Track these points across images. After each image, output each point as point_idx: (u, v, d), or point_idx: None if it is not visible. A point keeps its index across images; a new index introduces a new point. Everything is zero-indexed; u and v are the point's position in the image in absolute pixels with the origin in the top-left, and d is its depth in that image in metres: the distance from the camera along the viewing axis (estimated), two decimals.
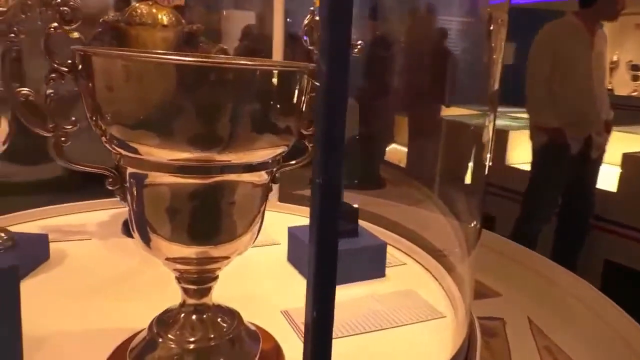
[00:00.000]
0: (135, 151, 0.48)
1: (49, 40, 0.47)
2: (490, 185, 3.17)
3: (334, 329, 0.74)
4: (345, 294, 0.86)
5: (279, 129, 0.52)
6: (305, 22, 0.57)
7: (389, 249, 1.07)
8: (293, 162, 0.62)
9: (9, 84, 0.47)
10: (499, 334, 1.00)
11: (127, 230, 1.09)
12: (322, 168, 0.40)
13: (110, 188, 0.52)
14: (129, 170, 0.51)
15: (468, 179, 0.97)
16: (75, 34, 0.85)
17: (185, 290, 0.58)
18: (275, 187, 1.31)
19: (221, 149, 0.49)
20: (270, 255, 1.00)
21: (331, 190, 0.40)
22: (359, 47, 0.59)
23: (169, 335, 0.57)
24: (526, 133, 2.67)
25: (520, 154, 3.16)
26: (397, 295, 0.86)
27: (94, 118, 0.48)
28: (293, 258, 0.97)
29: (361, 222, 1.13)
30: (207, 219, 0.53)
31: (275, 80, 0.51)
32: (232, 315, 0.62)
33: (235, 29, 2.73)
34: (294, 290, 0.88)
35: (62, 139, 0.49)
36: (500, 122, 3.56)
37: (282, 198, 1.32)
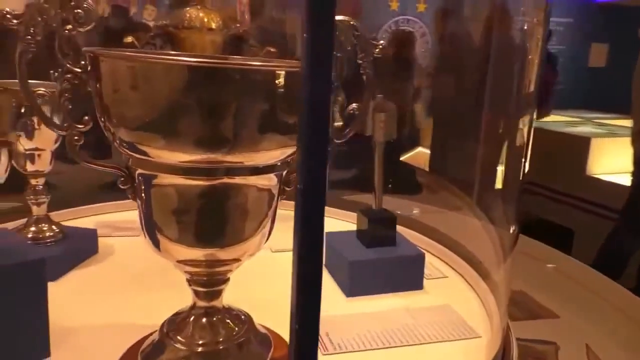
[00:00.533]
0: (141, 152, 0.49)
1: (63, 41, 0.48)
2: (567, 196, 2.98)
3: (359, 340, 0.71)
4: (378, 305, 0.83)
5: (284, 131, 0.51)
6: None
7: (432, 260, 1.02)
8: None
9: (26, 84, 0.49)
10: (549, 359, 0.92)
11: None
12: (304, 174, 0.38)
13: (122, 187, 0.53)
14: (138, 170, 0.51)
15: (504, 184, 0.90)
16: (129, 39, 0.88)
17: (195, 293, 0.58)
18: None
19: (227, 150, 0.48)
20: None
21: (314, 196, 0.38)
22: (380, 46, 0.56)
23: (179, 338, 0.57)
24: (613, 141, 2.47)
25: (604, 163, 2.93)
26: (432, 310, 0.81)
27: (103, 119, 0.49)
28: (327, 264, 0.95)
29: (403, 229, 1.09)
30: (214, 221, 0.53)
31: (280, 81, 0.49)
32: (243, 318, 0.61)
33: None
34: (322, 297, 0.86)
35: (76, 137, 0.51)
36: (582, 129, 3.33)
37: (331, 203, 1.30)
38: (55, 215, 0.98)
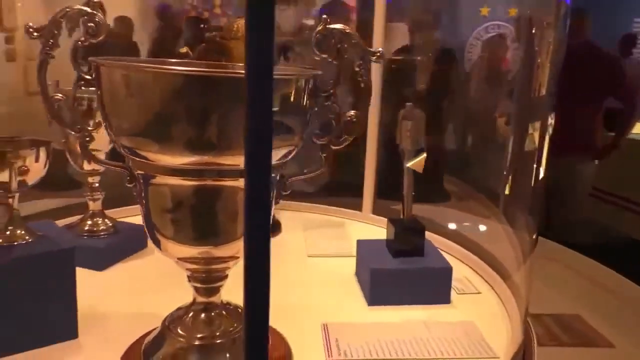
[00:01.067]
0: (137, 154, 0.53)
1: (77, 51, 0.54)
2: None
3: (367, 348, 0.71)
4: (398, 315, 0.82)
5: (276, 135, 0.52)
6: (318, 29, 0.56)
7: (470, 274, 0.99)
8: (305, 170, 0.61)
9: (45, 90, 0.54)
10: None
11: None
12: (249, 183, 0.39)
13: (128, 185, 0.58)
14: (137, 171, 0.55)
15: (519, 191, 0.85)
16: (184, 49, 0.95)
17: (195, 289, 0.61)
18: (369, 200, 1.29)
19: (215, 153, 0.51)
20: (343, 266, 0.99)
21: (259, 205, 0.39)
22: (378, 54, 0.56)
23: (179, 331, 0.61)
24: None
25: None
26: (453, 325, 0.78)
27: (105, 123, 0.53)
28: (357, 272, 0.95)
29: (443, 241, 1.06)
30: (207, 221, 0.56)
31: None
32: (240, 314, 0.63)
33: None
34: (345, 304, 0.86)
35: (87, 139, 0.56)
36: None
37: (377, 211, 1.29)
38: (110, 212, 1.06)
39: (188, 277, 0.61)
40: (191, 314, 0.61)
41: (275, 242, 1.16)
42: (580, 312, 1.14)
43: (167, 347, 0.60)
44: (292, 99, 0.53)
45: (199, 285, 0.61)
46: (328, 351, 0.70)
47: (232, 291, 0.64)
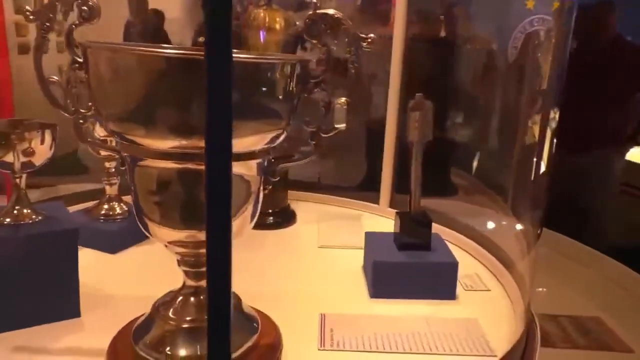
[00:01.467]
0: (123, 137, 0.53)
1: (70, 34, 0.55)
2: None
3: (361, 340, 0.70)
4: (400, 309, 0.80)
5: (257, 118, 0.52)
6: (308, 14, 0.55)
7: (480, 270, 0.96)
8: (295, 156, 0.61)
9: (40, 72, 0.56)
10: None
11: None
12: (209, 177, 0.38)
13: (121, 169, 0.59)
14: (124, 154, 0.56)
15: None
16: (201, 38, 0.97)
17: (185, 273, 0.62)
18: (387, 193, 1.27)
19: (200, 136, 0.51)
20: (352, 258, 0.98)
21: (219, 199, 0.38)
22: (369, 40, 0.55)
23: (169, 314, 0.61)
24: None
25: None
26: (455, 322, 0.76)
27: (94, 106, 0.54)
28: (364, 265, 0.93)
29: (448, 232, 1.04)
30: (193, 204, 0.56)
31: (251, 72, 0.51)
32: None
33: None
34: (347, 295, 0.85)
35: (81, 121, 0.57)
36: None
37: (396, 205, 1.27)
38: (127, 198, 1.09)
39: (178, 261, 0.61)
40: (181, 298, 0.62)
41: (288, 232, 1.16)
42: (601, 315, 1.09)
43: (156, 329, 0.61)
44: (277, 84, 0.53)
45: (188, 269, 0.61)
46: (321, 341, 0.70)
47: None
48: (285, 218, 1.20)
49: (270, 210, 1.18)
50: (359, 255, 0.96)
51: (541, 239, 1.31)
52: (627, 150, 2.21)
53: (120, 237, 0.99)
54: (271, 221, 1.18)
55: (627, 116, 2.08)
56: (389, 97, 1.22)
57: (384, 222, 1.23)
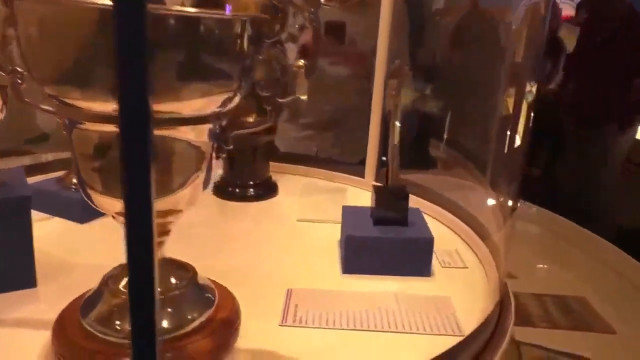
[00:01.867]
0: (58, 99, 0.49)
1: None
2: None
3: (324, 317, 0.67)
4: (371, 286, 0.77)
5: (206, 79, 0.48)
6: None
7: (460, 246, 0.93)
8: (250, 121, 0.57)
9: None
10: None
11: (217, 192, 1.15)
12: (125, 158, 0.34)
13: (64, 133, 0.55)
14: (61, 117, 0.52)
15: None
16: None
17: None
18: (372, 167, 1.23)
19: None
20: (329, 233, 0.94)
21: (136, 167, 0.34)
22: None
23: (118, 287, 0.58)
24: None
25: None
26: (426, 299, 0.73)
27: (24, 65, 0.50)
28: (340, 239, 0.90)
29: (430, 207, 1.00)
30: None
31: (200, 28, 0.47)
32: (185, 271, 0.60)
33: None
34: (319, 271, 0.82)
35: (19, 80, 0.53)
36: None
37: (381, 179, 1.23)
38: None
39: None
40: None
41: (267, 205, 1.13)
42: (588, 295, 1.06)
43: (103, 304, 0.58)
44: (225, 42, 0.49)
45: None
46: (284, 317, 0.67)
47: (177, 247, 0.61)
48: (267, 190, 1.17)
49: (251, 182, 1.15)
50: (338, 229, 0.93)
51: (547, 221, 1.27)
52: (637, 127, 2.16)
53: (89, 206, 0.95)
54: (252, 193, 1.15)
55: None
56: (375, 67, 1.17)
57: (369, 196, 1.20)
